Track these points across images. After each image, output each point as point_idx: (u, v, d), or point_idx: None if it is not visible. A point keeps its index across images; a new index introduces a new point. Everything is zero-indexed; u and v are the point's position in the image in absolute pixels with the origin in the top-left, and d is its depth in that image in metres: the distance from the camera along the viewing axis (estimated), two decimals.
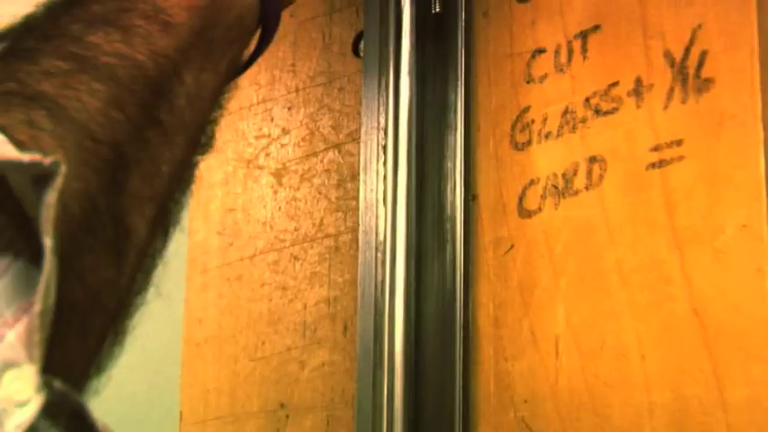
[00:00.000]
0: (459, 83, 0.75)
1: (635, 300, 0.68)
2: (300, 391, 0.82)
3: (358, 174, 0.80)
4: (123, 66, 0.48)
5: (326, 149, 0.86)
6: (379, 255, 0.75)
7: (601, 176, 0.70)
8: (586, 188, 0.71)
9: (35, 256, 0.39)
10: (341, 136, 0.85)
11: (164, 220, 0.52)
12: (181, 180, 0.53)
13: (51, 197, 0.39)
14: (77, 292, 0.44)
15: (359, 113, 0.81)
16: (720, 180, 0.65)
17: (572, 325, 0.69)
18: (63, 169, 0.40)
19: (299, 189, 0.87)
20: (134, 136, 0.48)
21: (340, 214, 0.84)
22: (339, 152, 0.85)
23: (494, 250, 0.75)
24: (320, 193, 0.86)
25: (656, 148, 0.68)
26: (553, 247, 0.72)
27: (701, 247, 0.66)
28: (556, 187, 0.72)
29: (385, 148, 0.77)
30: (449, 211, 0.76)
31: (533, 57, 0.74)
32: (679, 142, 0.67)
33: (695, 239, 0.66)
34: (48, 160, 0.39)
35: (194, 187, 0.56)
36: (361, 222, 0.78)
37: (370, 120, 0.79)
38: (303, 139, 0.87)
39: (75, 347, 0.45)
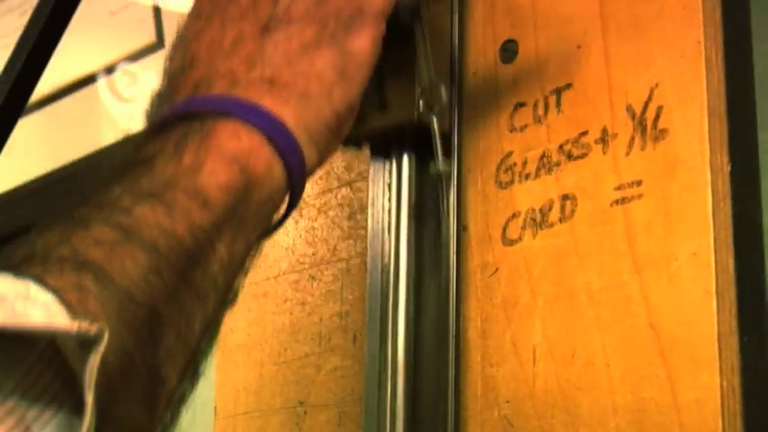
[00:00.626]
0: (453, 132, 0.75)
1: (601, 316, 0.67)
2: (316, 391, 0.81)
3: (366, 207, 0.79)
4: (164, 237, 0.47)
5: (340, 186, 0.86)
6: (385, 276, 0.75)
7: (572, 211, 0.69)
8: (560, 221, 0.71)
9: (77, 407, 0.39)
10: (352, 175, 0.85)
11: (193, 369, 0.51)
12: (208, 333, 0.52)
13: (95, 360, 0.39)
14: None
15: (367, 156, 0.80)
16: (674, 215, 0.65)
17: (547, 336, 0.69)
18: (106, 336, 0.40)
19: (316, 220, 0.87)
20: (170, 299, 0.47)
21: (351, 241, 0.83)
22: (351, 189, 0.85)
23: (481, 273, 0.74)
24: (334, 223, 0.86)
25: (619, 188, 0.67)
26: (531, 271, 0.71)
27: (657, 272, 0.65)
28: (534, 220, 0.72)
29: (389, 185, 0.77)
30: (444, 240, 0.75)
31: (515, 109, 0.74)
32: (639, 182, 0.66)
33: (652, 265, 0.66)
34: (93, 328, 0.40)
35: None
36: (369, 248, 0.77)
37: (377, 162, 0.78)
38: (320, 178, 0.87)
39: None
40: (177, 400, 0.49)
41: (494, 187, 0.74)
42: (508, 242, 0.73)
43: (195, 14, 0.61)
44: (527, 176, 0.72)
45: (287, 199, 0.57)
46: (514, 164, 0.73)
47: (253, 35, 0.59)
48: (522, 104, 0.74)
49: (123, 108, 1.40)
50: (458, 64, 0.76)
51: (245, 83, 0.56)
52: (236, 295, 0.55)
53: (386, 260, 0.76)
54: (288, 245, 0.87)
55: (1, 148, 0.83)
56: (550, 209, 0.71)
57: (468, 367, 0.72)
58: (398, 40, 0.69)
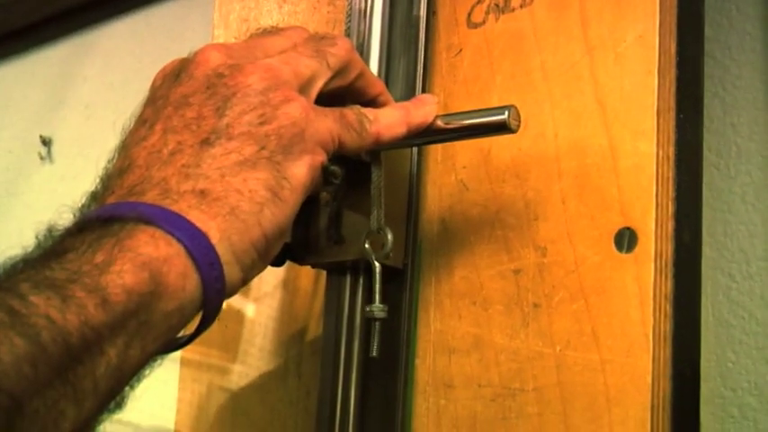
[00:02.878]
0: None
1: (553, 92, 0.68)
2: None
3: None
4: (49, 329, 0.43)
5: None
6: (360, 52, 0.74)
7: None
8: (521, 6, 0.71)
9: None
10: None
11: None
12: None
13: None
14: None
15: None
16: (624, 1, 0.65)
17: None
18: None
19: (298, 5, 0.87)
20: (40, 392, 0.43)
21: (330, 24, 0.83)
22: None
23: (446, 53, 0.75)
24: (315, 8, 0.85)
25: None
26: (492, 51, 0.72)
27: (606, 53, 0.66)
28: (497, 5, 0.72)
29: None
30: (413, 23, 0.75)
31: None
32: None
33: (602, 46, 0.66)
34: None
35: None
36: (346, 31, 0.77)
37: None
38: None
39: None
40: None
41: None
42: (472, 25, 0.74)
43: (140, 121, 0.57)
44: None
45: (200, 316, 0.53)
46: None
47: (192, 147, 0.55)
48: None
49: None
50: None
51: (175, 194, 0.53)
52: (122, 402, 0.51)
53: (361, 40, 0.75)
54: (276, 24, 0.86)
55: None
56: None
57: None
58: (360, 178, 0.68)
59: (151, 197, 0.52)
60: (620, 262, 0.63)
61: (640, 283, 0.62)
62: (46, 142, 1.35)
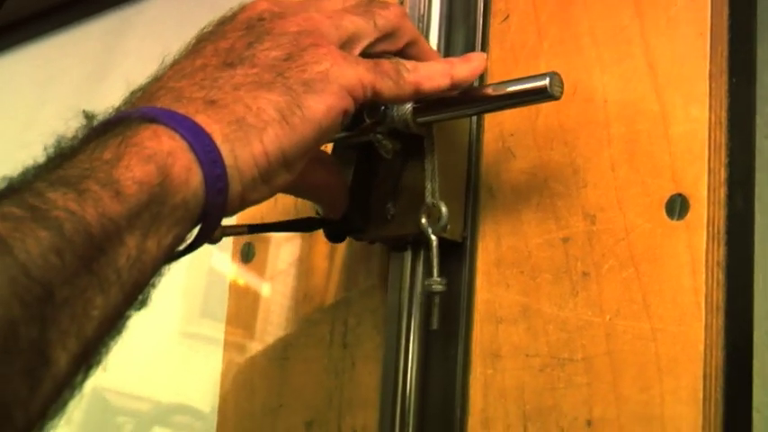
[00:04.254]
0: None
1: (602, 57, 0.67)
2: None
3: None
4: (70, 221, 0.45)
5: None
6: (420, 25, 0.74)
7: None
8: None
9: None
10: None
11: (87, 359, 0.48)
12: (111, 327, 0.49)
13: None
14: None
15: None
16: None
17: None
18: None
19: None
20: (68, 281, 0.45)
21: None
22: None
23: (494, 19, 0.74)
24: None
25: None
26: (540, 16, 0.71)
27: (656, 16, 0.65)
28: None
29: None
30: None
31: None
32: None
33: (653, 10, 0.66)
34: None
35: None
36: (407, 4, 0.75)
37: None
38: None
39: None
40: (67, 389, 0.47)
41: None
42: None
43: (183, 55, 0.60)
44: None
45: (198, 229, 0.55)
46: None
47: (214, 67, 0.57)
48: None
49: None
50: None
51: (186, 100, 0.55)
52: (145, 299, 0.53)
53: (422, 10, 0.74)
54: None
55: None
56: None
57: None
58: (416, 152, 0.68)
59: (161, 102, 0.55)
60: (672, 229, 0.62)
61: (692, 251, 0.61)
62: (89, 117, 1.35)
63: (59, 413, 0.48)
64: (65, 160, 0.50)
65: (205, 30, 0.61)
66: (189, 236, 0.55)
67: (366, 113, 0.67)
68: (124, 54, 1.36)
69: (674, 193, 0.62)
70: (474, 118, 0.72)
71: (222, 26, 0.60)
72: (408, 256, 0.72)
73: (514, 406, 0.66)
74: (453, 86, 0.64)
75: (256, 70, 0.57)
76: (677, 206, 0.62)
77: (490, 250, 0.70)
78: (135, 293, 0.50)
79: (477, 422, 0.68)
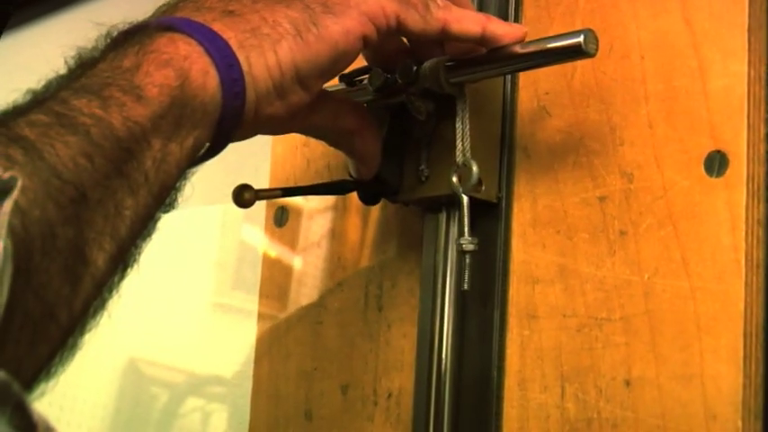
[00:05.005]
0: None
1: (638, 13, 0.67)
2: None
3: None
4: (96, 125, 0.47)
5: None
6: None
7: None
8: None
9: None
10: None
11: (123, 258, 0.50)
12: (142, 228, 0.51)
13: (7, 206, 0.40)
14: (32, 303, 0.43)
15: None
16: None
17: None
18: (19, 183, 0.40)
19: None
20: (99, 183, 0.46)
21: None
22: None
23: None
24: None
25: None
26: None
27: None
28: None
29: None
30: None
31: None
32: None
33: None
34: (6, 175, 0.40)
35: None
36: None
37: None
38: None
39: (26, 351, 0.43)
40: (105, 289, 0.49)
41: None
42: None
43: None
44: None
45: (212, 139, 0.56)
46: None
47: None
48: None
49: None
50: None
51: (205, 10, 0.56)
52: (173, 201, 0.55)
53: None
54: None
55: None
56: None
57: None
58: (449, 113, 0.67)
59: (181, 12, 0.56)
60: (711, 186, 0.61)
61: (731, 208, 0.60)
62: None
63: (100, 313, 0.50)
64: (86, 69, 0.51)
65: None
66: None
67: (398, 74, 0.66)
68: None
69: (713, 149, 0.62)
70: (508, 78, 0.71)
71: None
72: (443, 217, 0.71)
73: (551, 367, 0.66)
74: (484, 39, 0.64)
75: None
76: (716, 163, 0.61)
77: (526, 210, 0.69)
78: (162, 195, 0.52)
79: (513, 383, 0.68)
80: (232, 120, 0.55)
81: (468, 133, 0.67)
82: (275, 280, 0.87)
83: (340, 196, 0.82)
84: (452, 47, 0.66)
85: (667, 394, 0.61)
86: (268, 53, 0.56)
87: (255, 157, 0.88)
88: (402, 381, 0.75)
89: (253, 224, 0.99)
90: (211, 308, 1.14)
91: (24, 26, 1.54)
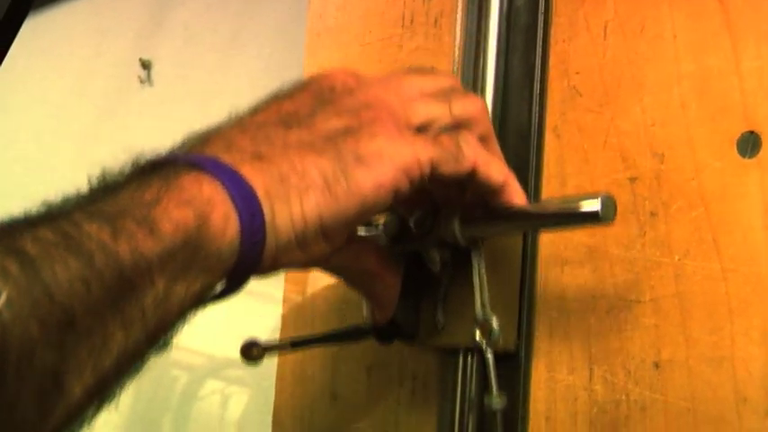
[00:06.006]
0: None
1: None
2: (398, 67, 0.82)
3: None
4: (101, 252, 0.45)
5: None
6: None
7: None
8: None
9: None
10: None
11: (102, 393, 0.48)
12: (129, 364, 0.49)
13: None
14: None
15: None
16: None
17: (618, 13, 0.68)
18: (4, 296, 0.40)
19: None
20: (91, 312, 0.44)
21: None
22: None
23: None
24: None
25: None
26: None
27: None
28: None
29: None
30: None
31: None
32: None
33: None
34: None
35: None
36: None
37: None
38: None
39: None
40: (77, 421, 0.47)
41: None
42: None
43: (250, 110, 0.60)
44: None
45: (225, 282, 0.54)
46: None
47: (272, 124, 0.57)
48: None
49: None
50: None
51: (235, 150, 0.55)
52: (167, 343, 0.52)
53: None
54: None
55: None
56: None
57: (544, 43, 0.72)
58: (465, 262, 0.66)
59: (211, 149, 0.55)
60: (743, 167, 0.61)
61: (764, 190, 0.60)
62: (146, 65, 1.37)
63: None
64: (106, 195, 0.50)
65: (281, 90, 0.61)
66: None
67: (414, 224, 0.66)
68: (181, 3, 1.36)
69: (746, 130, 0.61)
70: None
71: (295, 89, 0.60)
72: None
73: (580, 349, 0.66)
74: (503, 190, 0.62)
75: (311, 135, 0.56)
76: (749, 144, 0.61)
77: (555, 190, 0.69)
78: (157, 335, 0.50)
79: (541, 365, 0.68)
80: (248, 268, 0.54)
81: (485, 286, 0.66)
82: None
83: None
84: (471, 189, 0.63)
85: (697, 377, 0.61)
86: (294, 204, 0.54)
87: None
88: (427, 362, 0.75)
89: None
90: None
91: (49, 6, 1.54)
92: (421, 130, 0.60)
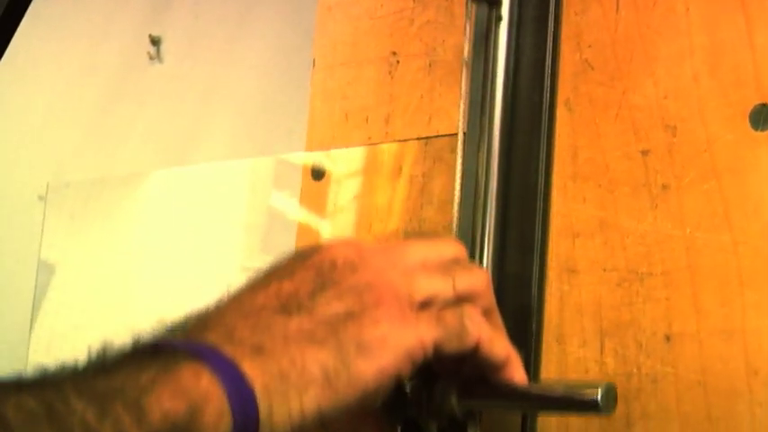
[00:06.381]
0: None
1: None
2: (409, 41, 0.82)
3: None
4: None
5: None
6: None
7: None
8: None
9: None
10: None
11: None
12: None
13: None
14: None
15: None
16: None
17: None
18: None
19: None
20: None
21: None
22: None
23: None
24: None
25: None
26: None
27: None
28: None
29: None
30: None
31: None
32: None
33: None
34: None
35: None
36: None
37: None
38: None
39: None
40: None
41: None
42: None
43: (248, 287, 0.58)
44: None
45: None
46: None
47: (272, 310, 0.56)
48: None
49: None
50: None
51: (236, 341, 0.54)
52: None
53: None
54: None
55: None
56: None
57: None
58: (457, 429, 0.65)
59: (212, 337, 0.54)
60: (756, 140, 0.61)
61: None
62: (155, 42, 1.37)
63: None
64: (101, 372, 0.49)
65: (280, 262, 0.60)
66: None
67: (410, 392, 0.65)
68: None
69: (759, 103, 0.61)
70: None
71: (295, 263, 0.59)
72: None
73: (591, 321, 0.66)
74: (503, 369, 0.61)
75: (312, 323, 0.56)
76: (761, 117, 0.61)
77: (566, 164, 0.69)
78: None
79: (552, 338, 0.68)
80: None
81: None
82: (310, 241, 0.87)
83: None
84: (471, 362, 0.62)
85: (708, 349, 0.61)
86: (293, 401, 0.54)
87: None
88: None
89: (282, 189, 0.99)
90: (239, 270, 1.15)
91: None
92: (424, 306, 0.59)
